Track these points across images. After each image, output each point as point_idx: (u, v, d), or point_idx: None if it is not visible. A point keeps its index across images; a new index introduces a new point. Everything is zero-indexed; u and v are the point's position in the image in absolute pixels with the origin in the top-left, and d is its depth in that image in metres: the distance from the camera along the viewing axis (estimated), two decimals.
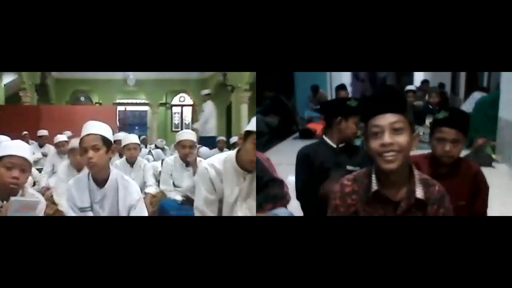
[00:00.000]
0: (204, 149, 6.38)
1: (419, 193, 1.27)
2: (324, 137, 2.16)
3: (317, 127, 5.88)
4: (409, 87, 5.91)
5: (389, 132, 1.21)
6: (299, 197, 2.13)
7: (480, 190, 1.81)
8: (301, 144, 2.25)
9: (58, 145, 4.25)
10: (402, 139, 1.21)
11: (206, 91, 7.31)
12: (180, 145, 3.14)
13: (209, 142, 6.32)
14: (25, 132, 5.91)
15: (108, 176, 1.86)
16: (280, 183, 2.00)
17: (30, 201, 1.69)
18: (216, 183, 1.77)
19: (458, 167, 1.79)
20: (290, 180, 2.11)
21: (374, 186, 1.28)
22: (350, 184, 1.34)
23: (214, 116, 7.12)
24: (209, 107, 7.13)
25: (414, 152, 1.92)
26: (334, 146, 2.12)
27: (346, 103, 2.14)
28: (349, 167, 2.03)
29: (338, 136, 2.12)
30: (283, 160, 2.69)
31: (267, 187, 1.96)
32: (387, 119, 1.22)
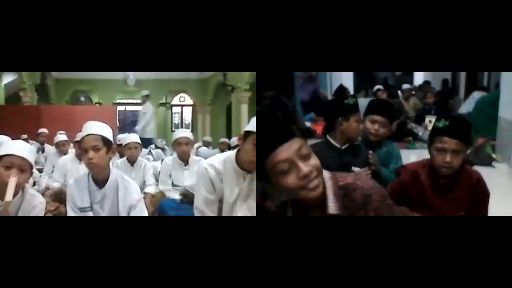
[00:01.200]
0: (203, 149, 6.38)
1: (332, 208, 1.18)
2: (327, 137, 2.13)
3: (317, 127, 5.87)
4: (377, 87, 6.00)
5: (300, 160, 1.09)
6: None
7: (480, 198, 1.74)
8: None
9: (59, 145, 4.25)
10: (314, 161, 1.11)
11: (145, 92, 7.18)
12: (177, 143, 3.16)
13: (147, 144, 6.29)
14: (25, 136, 5.91)
15: (108, 176, 1.86)
16: None
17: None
18: (216, 183, 1.77)
19: (458, 177, 1.72)
20: None
21: (290, 214, 1.24)
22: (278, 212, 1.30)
23: (153, 118, 6.99)
24: (149, 109, 6.98)
25: (414, 158, 1.92)
26: (339, 146, 2.09)
27: (344, 102, 2.09)
28: (354, 168, 2.00)
29: (341, 137, 2.09)
30: None
31: None
32: (289, 150, 1.09)
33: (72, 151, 3.90)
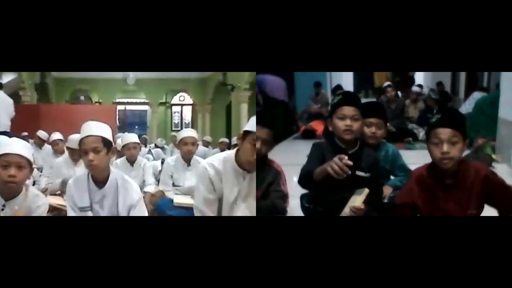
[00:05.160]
0: (200, 148, 6.37)
1: None
2: (335, 140, 1.93)
3: (318, 127, 5.88)
4: (387, 83, 6.01)
5: None
6: (300, 181, 1.94)
7: (494, 193, 1.64)
8: (301, 144, 2.22)
9: (53, 144, 4.17)
10: None
11: None
12: (183, 142, 3.15)
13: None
14: (25, 133, 5.87)
15: (108, 176, 1.85)
16: (285, 196, 1.95)
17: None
18: (215, 183, 1.76)
19: (465, 175, 1.65)
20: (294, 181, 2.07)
21: None
22: None
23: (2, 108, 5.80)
24: None
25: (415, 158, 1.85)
26: (343, 146, 1.90)
27: (331, 103, 1.97)
28: (359, 173, 1.85)
29: (337, 137, 1.92)
30: (283, 160, 2.67)
31: (270, 194, 1.92)
32: None
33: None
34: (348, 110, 1.83)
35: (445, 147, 1.59)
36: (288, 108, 6.70)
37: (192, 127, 11.70)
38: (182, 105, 13.32)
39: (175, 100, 13.26)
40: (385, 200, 2.10)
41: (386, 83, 6.00)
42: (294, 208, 2.10)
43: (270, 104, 5.88)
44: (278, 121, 5.68)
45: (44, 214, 1.80)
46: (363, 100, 2.45)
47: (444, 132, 1.60)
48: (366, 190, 1.76)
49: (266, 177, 1.93)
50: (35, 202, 1.76)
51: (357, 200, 1.72)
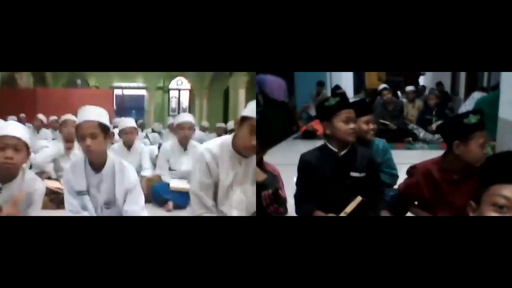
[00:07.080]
0: (197, 133, 6.37)
1: None
2: (326, 142, 1.93)
3: (319, 126, 5.87)
4: (383, 86, 6.01)
5: None
6: (295, 208, 1.99)
7: None
8: (301, 144, 2.21)
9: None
10: None
11: None
12: (179, 127, 3.15)
13: None
14: (23, 115, 5.87)
15: (105, 161, 1.85)
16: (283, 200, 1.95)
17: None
18: (211, 167, 1.75)
19: (471, 169, 1.68)
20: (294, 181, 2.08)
21: None
22: None
23: None
24: None
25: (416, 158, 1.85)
26: (335, 150, 1.88)
27: (324, 104, 1.94)
28: (353, 174, 1.86)
29: (334, 140, 1.90)
30: (283, 160, 2.67)
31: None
32: None
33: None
34: (349, 113, 1.87)
35: (486, 149, 1.68)
36: (288, 108, 6.69)
37: (189, 112, 11.67)
38: (179, 90, 13.26)
39: (173, 84, 13.19)
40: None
41: (382, 86, 5.98)
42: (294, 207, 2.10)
43: (270, 104, 5.89)
44: (276, 123, 5.72)
45: (42, 198, 1.80)
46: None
47: (484, 135, 1.69)
48: (359, 198, 1.79)
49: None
50: (32, 185, 1.76)
51: (348, 207, 1.76)
